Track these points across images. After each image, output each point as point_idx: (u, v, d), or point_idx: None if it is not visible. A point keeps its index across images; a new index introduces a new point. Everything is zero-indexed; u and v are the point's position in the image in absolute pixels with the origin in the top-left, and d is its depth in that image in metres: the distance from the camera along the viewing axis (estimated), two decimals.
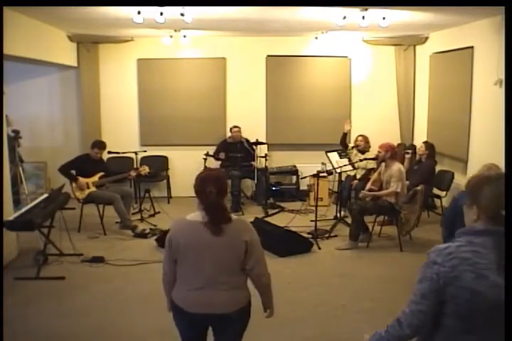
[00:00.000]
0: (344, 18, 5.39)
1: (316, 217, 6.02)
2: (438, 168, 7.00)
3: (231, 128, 7.64)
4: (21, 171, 6.43)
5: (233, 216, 2.45)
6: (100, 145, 6.37)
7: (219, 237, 2.33)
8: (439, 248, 1.65)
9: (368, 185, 5.92)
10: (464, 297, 1.56)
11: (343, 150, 6.90)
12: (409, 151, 6.92)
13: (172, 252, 2.40)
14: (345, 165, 6.41)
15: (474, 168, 6.25)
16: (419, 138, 7.49)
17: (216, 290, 2.37)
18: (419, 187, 5.65)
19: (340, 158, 6.52)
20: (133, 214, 6.70)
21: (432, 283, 1.61)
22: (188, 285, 2.41)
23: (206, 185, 2.36)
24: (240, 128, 7.62)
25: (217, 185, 2.38)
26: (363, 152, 7.14)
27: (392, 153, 5.65)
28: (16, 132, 6.90)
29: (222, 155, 7.48)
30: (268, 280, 2.53)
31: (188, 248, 2.36)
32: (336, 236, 6.06)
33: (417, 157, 6.83)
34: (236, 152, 7.39)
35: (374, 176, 5.99)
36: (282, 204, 7.53)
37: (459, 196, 3.58)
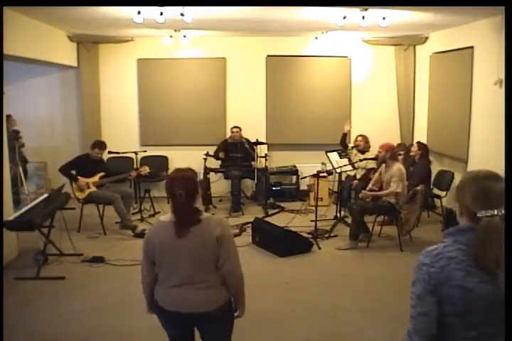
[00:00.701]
0: (344, 18, 5.39)
1: (316, 217, 6.02)
2: (438, 168, 7.01)
3: (231, 129, 7.63)
4: (21, 171, 6.43)
5: (206, 214, 2.43)
6: (101, 145, 6.37)
7: (190, 236, 2.33)
8: (427, 249, 1.68)
9: (370, 185, 5.92)
10: (457, 296, 1.56)
11: (343, 150, 6.90)
12: (401, 152, 6.92)
13: (149, 254, 2.42)
14: (345, 165, 6.41)
15: (474, 168, 6.21)
16: (419, 138, 7.48)
17: (193, 290, 2.37)
18: (419, 187, 5.65)
19: (340, 158, 6.52)
20: (133, 214, 6.70)
21: (425, 284, 1.62)
22: (166, 283, 2.41)
23: (175, 187, 2.34)
24: (240, 128, 7.60)
25: (186, 187, 2.34)
26: (362, 152, 7.14)
27: (392, 153, 5.65)
28: (16, 132, 6.90)
29: (221, 155, 7.48)
30: (239, 280, 2.45)
31: (163, 249, 2.37)
32: (335, 236, 6.06)
33: (410, 157, 6.83)
34: (236, 152, 7.39)
35: (375, 176, 5.99)
36: (282, 204, 7.53)
37: None
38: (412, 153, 6.79)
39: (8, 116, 7.03)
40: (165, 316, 2.48)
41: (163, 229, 2.39)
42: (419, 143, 6.94)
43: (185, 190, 2.33)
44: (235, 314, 2.55)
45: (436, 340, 1.63)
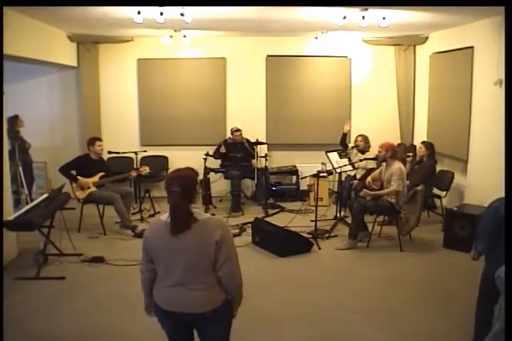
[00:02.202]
0: (344, 18, 5.39)
1: (316, 217, 6.02)
2: (438, 168, 7.00)
3: (233, 132, 7.55)
4: (21, 171, 6.43)
5: (205, 215, 2.41)
6: (97, 138, 6.43)
7: (189, 237, 2.32)
8: None
9: (369, 179, 5.92)
10: None
11: (343, 150, 6.90)
12: (410, 154, 6.93)
13: (147, 252, 2.43)
14: (345, 165, 6.42)
15: (474, 167, 6.27)
16: (419, 138, 7.49)
17: (190, 290, 2.36)
18: (419, 187, 5.65)
19: (340, 158, 6.52)
20: (133, 214, 6.70)
21: None
22: (164, 282, 2.41)
23: (172, 184, 2.34)
24: (241, 131, 7.58)
25: (183, 184, 2.34)
26: (363, 152, 7.14)
27: (392, 153, 5.65)
28: (16, 132, 6.92)
29: (223, 149, 7.46)
30: (236, 282, 2.44)
31: (160, 247, 2.37)
32: (336, 236, 6.06)
33: (418, 158, 6.82)
34: (236, 152, 7.39)
35: (374, 173, 5.98)
36: (282, 204, 7.53)
37: (500, 203, 3.02)
38: (419, 154, 6.77)
39: (16, 117, 7.08)
40: (163, 315, 2.48)
41: (160, 227, 2.38)
42: (424, 143, 6.88)
43: (182, 187, 2.32)
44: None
45: None
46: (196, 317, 2.39)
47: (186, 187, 2.35)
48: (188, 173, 2.42)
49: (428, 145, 6.79)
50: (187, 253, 2.33)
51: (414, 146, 7.35)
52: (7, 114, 5.46)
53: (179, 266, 2.35)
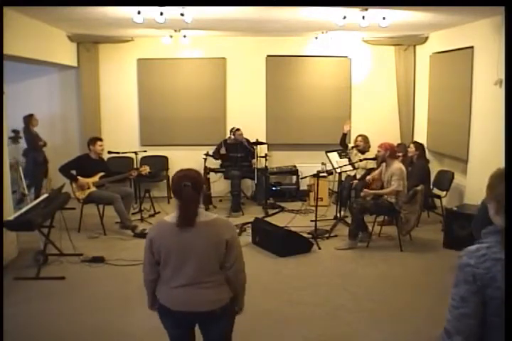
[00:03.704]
0: (344, 18, 5.39)
1: (316, 217, 6.02)
2: (438, 168, 7.01)
3: (234, 132, 7.53)
4: (21, 171, 6.44)
5: (213, 215, 2.46)
6: (98, 138, 6.46)
7: (199, 236, 2.35)
8: (469, 250, 1.62)
9: (369, 177, 5.92)
10: (499, 297, 1.54)
11: (343, 150, 6.90)
12: (400, 154, 6.91)
13: (153, 254, 2.42)
14: (345, 165, 6.42)
15: (474, 168, 6.27)
16: (420, 138, 7.49)
17: (200, 289, 2.39)
18: (419, 187, 5.65)
19: (340, 158, 6.52)
20: (133, 214, 6.70)
21: (470, 286, 1.58)
22: (171, 283, 2.42)
23: (181, 179, 2.37)
24: (241, 130, 7.59)
25: (194, 179, 2.38)
26: (362, 152, 7.15)
27: (391, 152, 5.65)
28: (16, 132, 6.93)
29: (223, 150, 7.47)
30: (245, 279, 2.54)
31: (170, 249, 2.38)
32: (336, 236, 6.06)
33: (408, 158, 6.84)
34: (236, 152, 7.39)
35: (374, 173, 5.98)
36: (282, 204, 7.53)
37: None
38: (409, 154, 6.79)
39: (31, 116, 7.14)
40: (169, 316, 2.48)
41: (168, 228, 2.39)
42: (415, 143, 6.94)
43: (192, 181, 2.36)
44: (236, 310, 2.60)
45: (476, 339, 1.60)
46: (205, 315, 2.43)
47: (197, 182, 2.39)
48: (196, 172, 2.47)
49: (418, 145, 6.80)
50: (198, 252, 2.36)
51: (405, 145, 7.34)
52: (7, 114, 5.46)
53: (189, 265, 2.37)
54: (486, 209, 3.05)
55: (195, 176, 2.43)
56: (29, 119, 7.16)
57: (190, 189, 2.34)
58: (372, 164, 6.81)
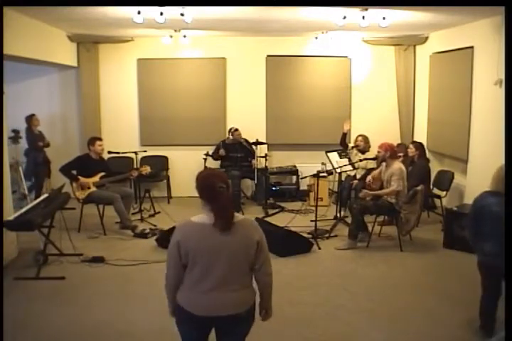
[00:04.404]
0: (344, 18, 5.39)
1: (316, 217, 6.02)
2: (438, 168, 7.01)
3: (233, 132, 7.54)
4: (21, 171, 6.45)
5: (240, 215, 2.43)
6: (97, 138, 6.46)
7: (231, 237, 2.31)
8: None
9: (369, 178, 5.92)
10: None
11: (343, 150, 6.90)
12: (401, 154, 6.91)
13: (181, 257, 2.32)
14: (345, 165, 6.42)
15: (474, 168, 6.27)
16: (420, 138, 7.48)
17: (227, 292, 2.35)
18: (419, 187, 5.65)
19: (341, 158, 6.52)
20: (133, 214, 6.70)
21: None
22: (197, 288, 2.35)
23: (215, 181, 2.30)
24: (239, 130, 7.59)
25: (225, 180, 2.35)
26: (363, 152, 7.14)
27: (391, 152, 5.65)
28: (16, 132, 6.92)
29: (222, 152, 7.47)
30: (271, 280, 2.54)
31: (199, 251, 2.30)
32: (336, 236, 6.06)
33: (409, 158, 6.83)
34: (236, 152, 7.38)
35: (374, 172, 5.98)
36: (282, 204, 7.53)
37: (483, 196, 3.50)
38: (410, 154, 6.79)
39: (32, 115, 7.17)
40: (192, 321, 2.39)
41: (200, 230, 2.32)
42: (415, 142, 6.94)
43: (226, 183, 2.34)
44: (262, 315, 2.59)
45: None
46: (230, 317, 2.38)
47: (227, 183, 2.37)
48: (221, 172, 2.47)
49: (418, 145, 6.80)
50: (230, 253, 2.32)
51: (405, 145, 7.35)
52: (7, 114, 5.46)
53: (219, 267, 2.32)
54: (479, 208, 3.21)
55: (224, 176, 2.41)
56: (30, 119, 7.19)
57: (226, 191, 2.31)
58: (372, 164, 6.80)
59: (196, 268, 2.33)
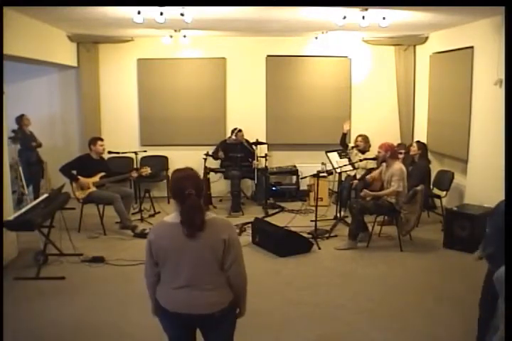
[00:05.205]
0: (344, 18, 5.39)
1: (316, 217, 6.02)
2: (438, 168, 7.01)
3: (236, 133, 7.49)
4: (21, 171, 6.44)
5: (211, 214, 2.39)
6: (99, 138, 6.46)
7: (196, 238, 2.30)
8: None
9: (368, 177, 5.92)
10: None
11: (343, 150, 6.90)
12: (402, 152, 6.91)
13: (153, 255, 2.38)
14: (345, 165, 6.42)
15: (474, 168, 6.27)
16: (420, 138, 7.48)
17: (198, 291, 2.35)
18: (419, 187, 5.65)
19: (341, 158, 6.52)
20: (133, 214, 6.70)
21: None
22: (169, 284, 2.39)
23: (184, 186, 2.29)
24: (242, 131, 7.58)
25: (196, 185, 2.31)
26: (363, 152, 7.15)
27: (392, 153, 5.65)
28: (16, 132, 6.93)
29: (221, 155, 7.48)
30: (244, 281, 2.48)
31: (169, 250, 2.34)
32: (336, 236, 6.06)
33: (410, 157, 6.83)
34: (236, 152, 7.38)
35: (375, 172, 5.98)
36: (282, 204, 7.53)
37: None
38: (411, 153, 6.81)
39: (22, 116, 7.15)
40: (168, 318, 2.45)
41: (170, 230, 2.34)
42: (418, 142, 6.95)
43: (195, 188, 2.30)
44: (237, 312, 2.56)
45: None
46: (205, 317, 2.38)
47: (199, 187, 2.34)
48: (196, 173, 2.41)
49: (421, 145, 6.80)
50: (196, 253, 2.32)
51: (405, 145, 7.33)
52: (7, 114, 5.46)
53: (188, 266, 2.33)
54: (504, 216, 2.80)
55: (196, 179, 2.36)
56: (21, 119, 7.15)
57: (195, 197, 2.28)
58: (372, 164, 6.81)
59: (167, 267, 2.38)
